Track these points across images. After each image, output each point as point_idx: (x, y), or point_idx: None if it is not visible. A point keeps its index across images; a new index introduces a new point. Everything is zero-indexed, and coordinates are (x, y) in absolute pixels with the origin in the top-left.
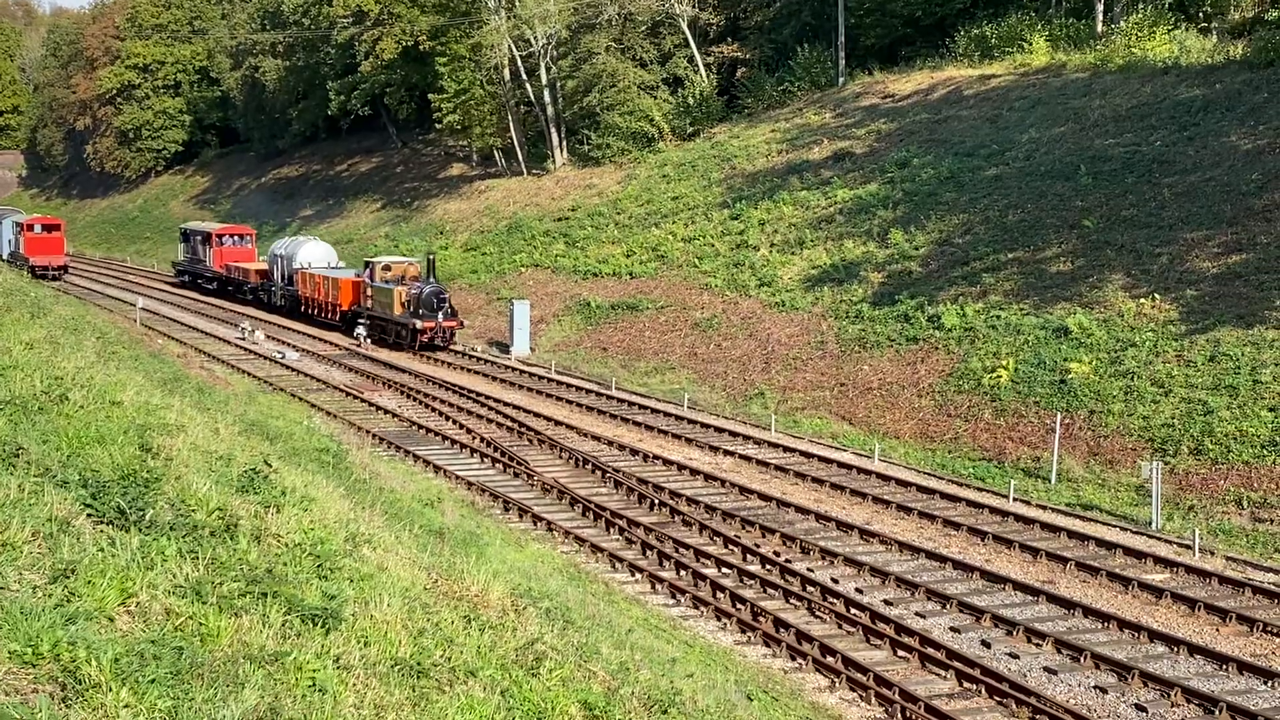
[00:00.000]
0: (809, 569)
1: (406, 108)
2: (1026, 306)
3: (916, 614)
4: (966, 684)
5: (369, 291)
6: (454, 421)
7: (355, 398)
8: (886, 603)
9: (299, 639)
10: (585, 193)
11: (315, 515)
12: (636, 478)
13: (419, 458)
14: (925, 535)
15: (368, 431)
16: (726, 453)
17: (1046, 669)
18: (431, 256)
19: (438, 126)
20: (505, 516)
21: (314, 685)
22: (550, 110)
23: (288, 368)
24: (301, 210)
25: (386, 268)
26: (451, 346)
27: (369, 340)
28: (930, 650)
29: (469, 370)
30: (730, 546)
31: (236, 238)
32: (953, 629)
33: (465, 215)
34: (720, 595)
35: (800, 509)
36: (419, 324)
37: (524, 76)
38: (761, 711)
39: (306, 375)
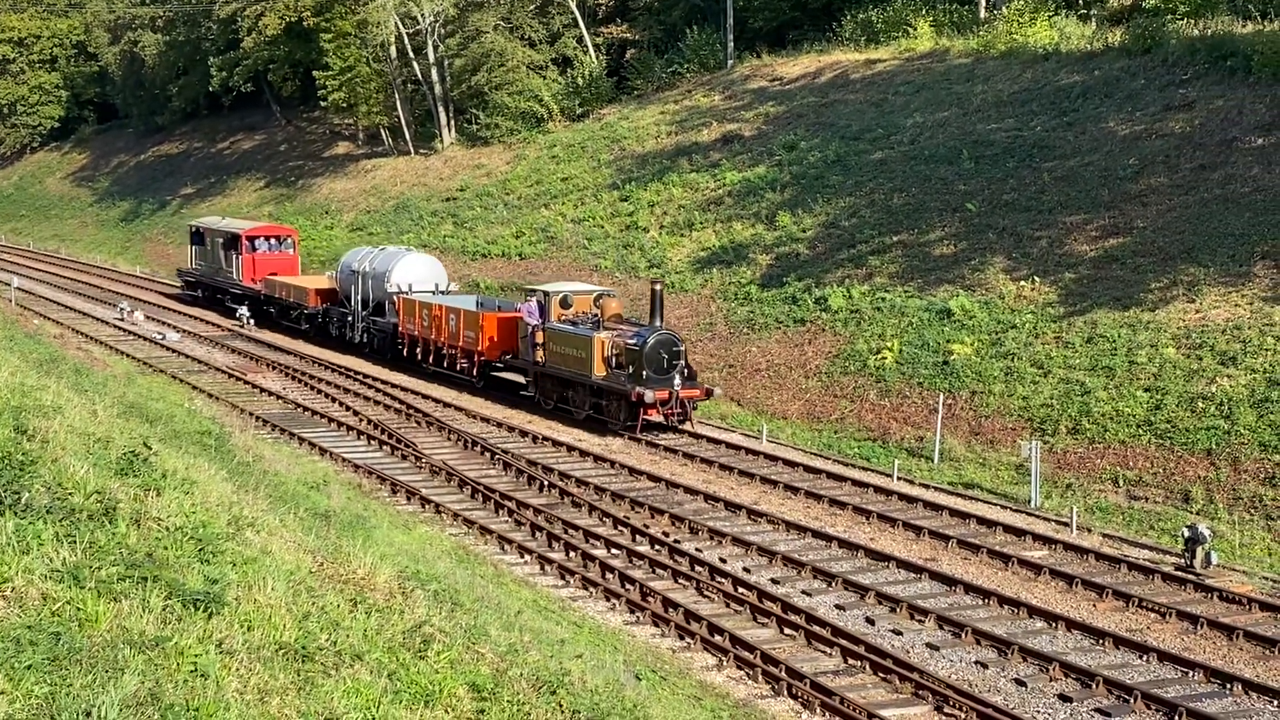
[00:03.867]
0: (697, 549)
1: (290, 85)
2: (911, 289)
3: (803, 592)
4: (851, 660)
5: (539, 337)
6: (340, 403)
7: (238, 380)
8: (774, 581)
9: (180, 624)
10: (474, 173)
11: (197, 498)
12: (526, 459)
13: (304, 440)
14: (812, 515)
15: (251, 414)
16: (615, 434)
17: (929, 645)
18: (659, 286)
19: (322, 104)
20: (393, 499)
21: (196, 670)
22: (438, 89)
23: (168, 349)
24: (182, 188)
25: (566, 301)
26: (690, 425)
27: (252, 321)
28: (816, 628)
29: (354, 351)
30: (619, 527)
31: (273, 241)
32: (838, 606)
33: (351, 194)
34: (609, 576)
35: (689, 489)
36: (646, 394)
37: (411, 54)
38: (650, 691)
39: (188, 357)
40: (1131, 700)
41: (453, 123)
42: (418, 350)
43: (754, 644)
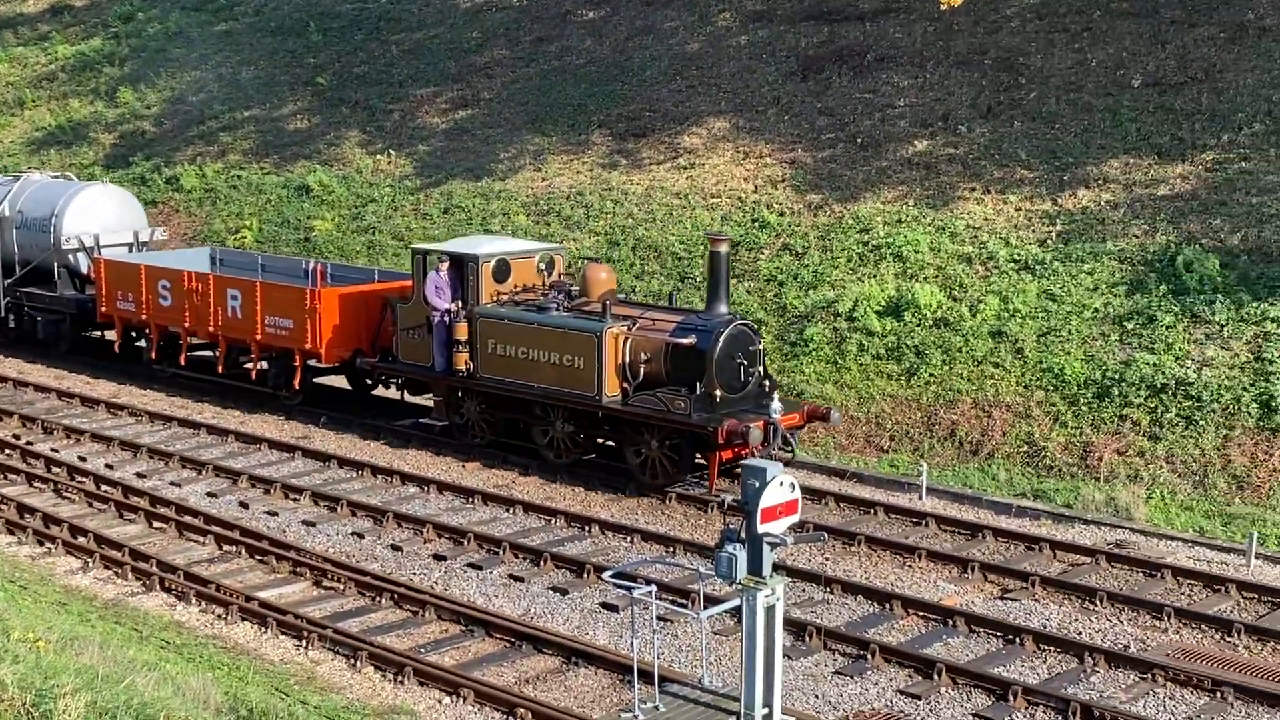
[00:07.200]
0: (53, 449)
1: None
2: (268, 165)
3: (172, 484)
4: (227, 547)
5: (460, 332)
6: None
7: None
8: (140, 475)
9: None
10: None
11: None
12: None
13: None
14: (176, 404)
15: None
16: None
17: (305, 522)
18: (723, 247)
19: None
20: None
21: None
22: None
23: None
24: None
25: (501, 268)
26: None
27: None
28: (188, 518)
29: None
30: None
31: None
32: (210, 494)
33: None
34: None
35: (40, 387)
36: (753, 432)
37: None
38: (9, 602)
39: None
40: (500, 551)
41: None
42: (148, 345)
43: (121, 541)
